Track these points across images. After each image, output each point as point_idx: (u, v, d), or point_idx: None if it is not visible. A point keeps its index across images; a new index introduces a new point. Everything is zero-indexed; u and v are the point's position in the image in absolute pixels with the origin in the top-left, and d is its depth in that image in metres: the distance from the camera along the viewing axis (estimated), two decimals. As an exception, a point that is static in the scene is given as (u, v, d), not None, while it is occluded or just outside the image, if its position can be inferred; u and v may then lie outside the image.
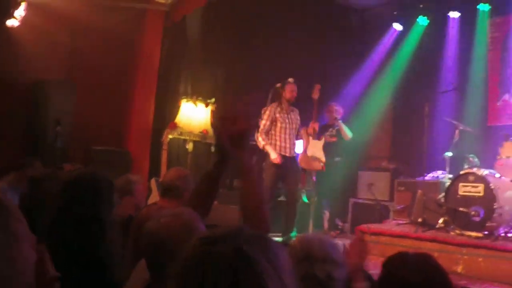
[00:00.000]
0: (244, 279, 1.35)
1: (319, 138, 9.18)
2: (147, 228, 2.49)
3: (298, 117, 8.99)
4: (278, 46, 10.45)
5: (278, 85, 8.30)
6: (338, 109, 9.68)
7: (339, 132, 9.46)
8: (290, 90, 8.57)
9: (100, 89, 9.60)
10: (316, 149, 9.00)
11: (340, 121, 9.47)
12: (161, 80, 10.11)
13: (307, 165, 9.11)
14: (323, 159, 8.92)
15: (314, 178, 9.40)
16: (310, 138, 9.07)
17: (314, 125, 9.04)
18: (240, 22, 10.15)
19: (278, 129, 8.55)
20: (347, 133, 9.39)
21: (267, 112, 8.46)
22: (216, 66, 10.29)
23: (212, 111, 9.69)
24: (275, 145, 8.58)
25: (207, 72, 10.21)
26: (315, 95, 8.85)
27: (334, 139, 9.44)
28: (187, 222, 2.36)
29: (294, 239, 2.88)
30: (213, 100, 9.67)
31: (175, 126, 9.55)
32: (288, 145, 8.69)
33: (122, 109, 10.17)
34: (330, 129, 9.50)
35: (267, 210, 2.41)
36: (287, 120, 8.62)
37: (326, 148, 9.27)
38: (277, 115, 8.50)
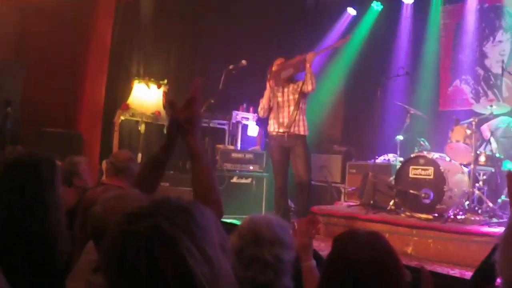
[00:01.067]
0: (162, 258, 1.33)
1: None
2: (93, 211, 2.47)
3: None
4: (232, 27, 10.40)
5: (231, 67, 8.18)
6: None
7: None
8: None
9: (51, 69, 9.38)
10: None
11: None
12: (113, 61, 9.94)
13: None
14: None
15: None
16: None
17: None
18: (193, 3, 10.05)
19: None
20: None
21: None
22: (169, 47, 10.17)
23: (165, 93, 9.60)
24: None
25: (160, 52, 10.08)
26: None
27: None
28: (134, 203, 2.32)
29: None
30: (165, 81, 9.58)
31: (127, 107, 9.43)
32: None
33: (73, 90, 9.97)
34: None
35: (219, 193, 2.38)
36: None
37: None
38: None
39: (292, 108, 7.79)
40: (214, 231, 1.47)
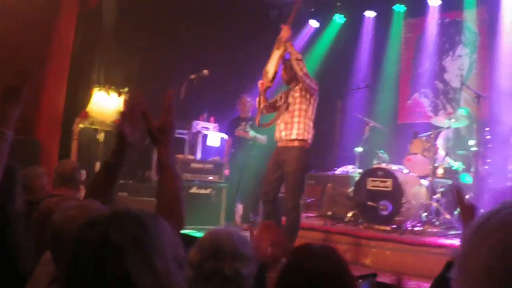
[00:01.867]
0: (109, 266, 1.35)
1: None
2: (52, 221, 2.41)
3: None
4: (195, 37, 10.35)
5: (193, 76, 8.14)
6: (250, 101, 9.50)
7: (253, 126, 9.24)
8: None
9: (9, 73, 9.21)
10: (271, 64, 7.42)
11: (252, 134, 9.06)
12: (74, 67, 9.79)
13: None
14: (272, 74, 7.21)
15: (227, 171, 9.37)
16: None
17: None
18: (156, 11, 9.98)
19: None
20: (263, 139, 9.29)
21: None
22: (130, 55, 10.08)
23: (125, 101, 9.51)
24: None
25: (121, 60, 9.99)
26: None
27: (246, 134, 9.33)
28: (94, 213, 2.29)
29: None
30: (126, 89, 9.50)
31: (86, 115, 9.32)
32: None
33: (32, 96, 9.79)
34: (243, 123, 9.37)
35: (183, 206, 2.35)
36: None
37: (241, 143, 9.26)
38: None
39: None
40: (167, 244, 1.47)
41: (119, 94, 9.48)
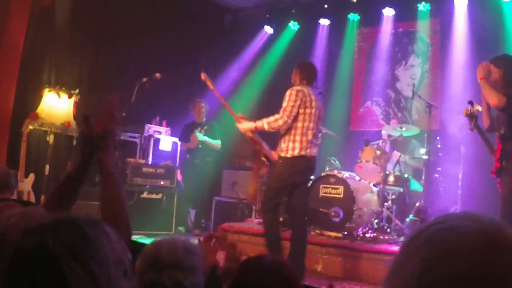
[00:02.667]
0: (46, 275, 1.33)
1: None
2: None
3: None
4: (148, 40, 10.26)
5: (145, 79, 8.04)
6: (205, 106, 9.48)
7: (208, 131, 9.34)
8: None
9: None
10: None
11: (201, 138, 9.20)
12: (24, 67, 9.57)
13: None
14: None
15: (180, 177, 9.30)
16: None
17: None
18: (110, 12, 9.85)
19: None
20: (215, 144, 9.37)
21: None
22: (82, 56, 9.90)
23: (76, 103, 9.33)
24: None
25: (72, 61, 9.80)
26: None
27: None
28: (37, 221, 2.21)
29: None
30: (77, 91, 9.32)
31: (36, 117, 9.10)
32: None
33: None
34: (199, 128, 9.35)
35: (128, 214, 2.29)
36: None
37: (197, 149, 9.23)
38: None
39: None
40: (108, 250, 1.44)
41: (70, 95, 9.27)
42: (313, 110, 6.22)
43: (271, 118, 6.15)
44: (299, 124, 6.14)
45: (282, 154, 6.23)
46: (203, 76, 6.83)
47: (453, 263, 0.94)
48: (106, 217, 2.20)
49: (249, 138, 6.56)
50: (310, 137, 6.22)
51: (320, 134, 6.67)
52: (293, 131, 6.16)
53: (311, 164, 6.38)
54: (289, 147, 6.16)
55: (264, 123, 6.18)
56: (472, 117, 5.55)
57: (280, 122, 6.08)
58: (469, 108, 5.58)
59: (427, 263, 0.96)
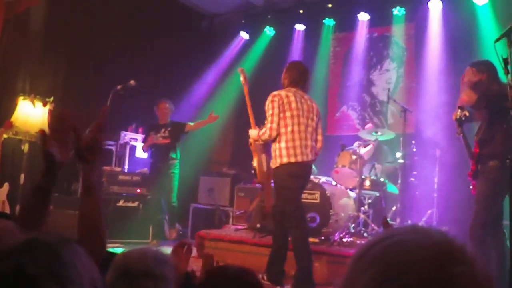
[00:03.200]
0: None
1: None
2: None
3: None
4: (124, 47, 10.20)
5: (119, 87, 7.97)
6: (170, 107, 9.31)
7: (172, 133, 9.12)
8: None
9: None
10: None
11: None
12: (-2, 75, 9.53)
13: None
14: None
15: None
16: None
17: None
18: (85, 20, 9.77)
19: None
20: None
21: None
22: (57, 64, 9.82)
23: (50, 111, 9.24)
24: None
25: (47, 69, 9.72)
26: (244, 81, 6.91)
27: (167, 141, 9.06)
28: (6, 238, 2.17)
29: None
30: (51, 99, 9.24)
31: (10, 125, 9.00)
32: None
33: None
34: (163, 130, 9.15)
35: (105, 232, 2.25)
36: None
37: (161, 150, 9.02)
38: None
39: None
40: (82, 270, 1.40)
41: (44, 103, 9.20)
42: (295, 112, 6.02)
43: (261, 132, 6.07)
44: (283, 130, 6.01)
45: (273, 166, 6.14)
46: (241, 72, 6.81)
47: (405, 278, 0.93)
48: (83, 231, 2.16)
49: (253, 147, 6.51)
50: (297, 142, 6.00)
51: (316, 135, 6.42)
52: (277, 139, 6.04)
53: (303, 170, 6.16)
54: (277, 155, 6.04)
55: (260, 135, 6.12)
56: (460, 121, 5.59)
57: (267, 133, 6.00)
58: (458, 113, 5.62)
59: (380, 279, 0.95)
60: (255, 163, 6.52)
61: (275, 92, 6.15)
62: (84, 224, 2.18)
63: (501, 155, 5.29)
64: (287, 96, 6.07)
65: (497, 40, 4.36)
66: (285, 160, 5.96)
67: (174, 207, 9.18)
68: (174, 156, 9.17)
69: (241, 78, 6.72)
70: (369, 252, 0.99)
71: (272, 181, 6.33)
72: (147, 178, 9.25)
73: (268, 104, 6.05)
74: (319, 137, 6.33)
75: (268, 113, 6.01)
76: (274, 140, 6.05)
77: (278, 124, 5.99)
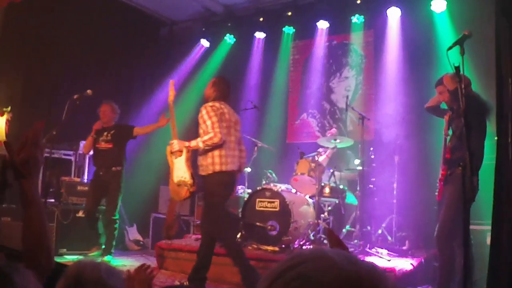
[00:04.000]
0: None
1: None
2: None
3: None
4: (83, 55, 10.11)
5: (75, 97, 7.75)
6: (114, 109, 8.61)
7: (115, 137, 8.36)
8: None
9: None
10: (180, 170, 6.64)
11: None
12: (-46, 85, 9.38)
13: (177, 196, 6.78)
14: (188, 178, 6.52)
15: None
16: (173, 158, 6.74)
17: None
18: (42, 28, 9.66)
19: None
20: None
21: None
22: (14, 73, 9.68)
23: (7, 121, 9.11)
24: None
25: (4, 78, 9.58)
26: (170, 96, 7.07)
27: (109, 145, 8.34)
28: None
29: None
30: (9, 108, 9.11)
31: (-32, 135, 8.89)
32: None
33: None
34: (105, 133, 8.46)
35: (51, 244, 2.23)
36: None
37: (102, 156, 8.34)
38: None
39: None
40: None
41: (1, 113, 9.06)
42: (227, 124, 6.30)
43: (205, 137, 6.14)
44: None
45: (203, 173, 6.28)
46: (171, 84, 7.00)
47: None
48: (28, 244, 2.14)
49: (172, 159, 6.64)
50: (230, 152, 6.28)
51: (255, 147, 6.71)
52: (212, 147, 6.19)
53: (233, 179, 6.41)
54: (209, 163, 6.21)
55: (199, 142, 6.18)
56: (450, 123, 5.81)
57: (216, 139, 6.10)
58: (450, 114, 5.82)
59: None
60: (178, 176, 6.59)
61: (211, 103, 6.35)
62: (28, 238, 2.16)
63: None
64: (221, 108, 6.33)
65: (449, 48, 4.44)
66: (217, 168, 6.16)
67: (114, 222, 8.22)
68: (117, 164, 8.31)
69: (172, 92, 6.92)
70: (275, 284, 0.97)
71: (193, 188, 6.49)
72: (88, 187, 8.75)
73: (205, 114, 6.20)
74: (243, 147, 6.62)
75: (207, 122, 6.15)
76: (208, 149, 6.21)
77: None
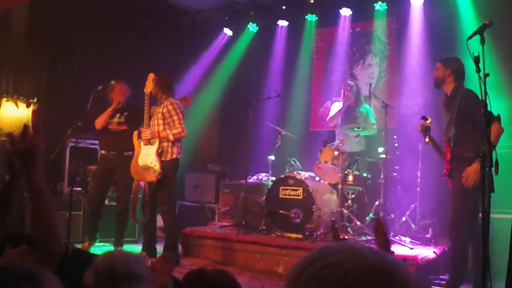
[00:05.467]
0: None
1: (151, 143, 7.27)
2: None
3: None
4: (106, 46, 10.19)
5: (100, 87, 7.73)
6: (128, 90, 8.21)
7: (130, 119, 8.00)
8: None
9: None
10: (149, 157, 7.21)
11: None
12: (-20, 77, 9.50)
13: (139, 177, 7.38)
14: (157, 167, 7.11)
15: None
16: (141, 143, 7.30)
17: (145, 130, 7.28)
18: (68, 20, 9.75)
19: None
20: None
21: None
22: (40, 64, 9.78)
23: (34, 111, 9.22)
24: None
25: (30, 70, 9.68)
26: (147, 87, 7.49)
27: (124, 127, 7.98)
28: None
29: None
30: (35, 100, 9.22)
31: (-6, 126, 9.02)
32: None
33: None
34: (118, 114, 8.07)
35: (59, 230, 2.28)
36: None
37: (114, 139, 7.95)
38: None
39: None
40: None
41: (28, 105, 9.18)
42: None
43: (174, 131, 7.28)
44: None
45: (164, 159, 7.30)
46: (150, 77, 7.71)
47: None
48: (37, 232, 2.20)
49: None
50: (181, 143, 7.53)
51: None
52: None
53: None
54: (170, 152, 7.35)
55: (170, 135, 7.29)
56: (426, 130, 5.78)
57: (183, 134, 7.37)
58: (423, 123, 5.79)
59: None
60: (146, 161, 7.34)
61: (175, 100, 7.51)
62: (36, 225, 2.22)
63: (473, 152, 5.44)
64: (181, 105, 7.50)
65: (469, 37, 4.43)
66: (175, 156, 7.36)
67: (127, 212, 7.90)
68: (130, 148, 7.70)
69: (151, 84, 7.61)
70: (304, 274, 1.01)
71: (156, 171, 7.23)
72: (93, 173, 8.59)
73: (175, 109, 7.33)
74: None
75: (174, 117, 7.30)
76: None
77: None
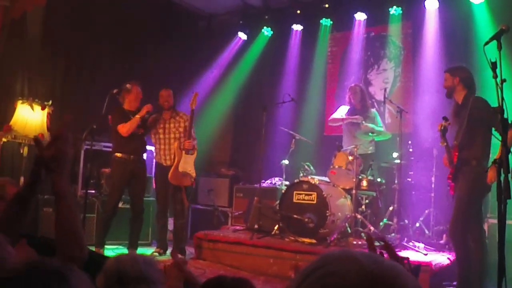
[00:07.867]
0: None
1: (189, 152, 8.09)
2: None
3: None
4: (122, 49, 10.24)
5: (115, 91, 7.80)
6: (141, 92, 8.24)
7: (146, 122, 8.22)
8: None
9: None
10: (188, 164, 8.11)
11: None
12: (-4, 80, 9.55)
13: (177, 182, 8.06)
14: (194, 174, 8.18)
15: (154, 185, 9.12)
16: (183, 152, 8.09)
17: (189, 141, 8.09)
18: (83, 23, 9.80)
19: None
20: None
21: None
22: (55, 67, 9.83)
23: (49, 114, 9.25)
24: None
25: (45, 72, 9.73)
26: (193, 104, 8.14)
27: (142, 131, 8.19)
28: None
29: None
30: (50, 102, 9.25)
31: (9, 129, 9.01)
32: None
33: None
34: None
35: (82, 236, 2.29)
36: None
37: (135, 142, 8.09)
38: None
39: None
40: None
41: (43, 107, 9.21)
42: None
43: (195, 142, 8.42)
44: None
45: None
46: (195, 96, 8.34)
47: None
48: (60, 237, 2.20)
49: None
50: None
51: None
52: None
53: None
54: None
55: (196, 145, 8.42)
56: (444, 132, 5.78)
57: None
58: (443, 123, 5.78)
59: None
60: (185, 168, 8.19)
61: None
62: (60, 230, 2.22)
63: (480, 158, 5.49)
64: None
65: (486, 43, 4.43)
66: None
67: (142, 215, 8.21)
68: (145, 151, 8.35)
69: (194, 101, 8.25)
70: (303, 285, 1.02)
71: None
72: (148, 179, 8.89)
73: (187, 121, 8.28)
74: None
75: (193, 129, 8.27)
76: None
77: None
